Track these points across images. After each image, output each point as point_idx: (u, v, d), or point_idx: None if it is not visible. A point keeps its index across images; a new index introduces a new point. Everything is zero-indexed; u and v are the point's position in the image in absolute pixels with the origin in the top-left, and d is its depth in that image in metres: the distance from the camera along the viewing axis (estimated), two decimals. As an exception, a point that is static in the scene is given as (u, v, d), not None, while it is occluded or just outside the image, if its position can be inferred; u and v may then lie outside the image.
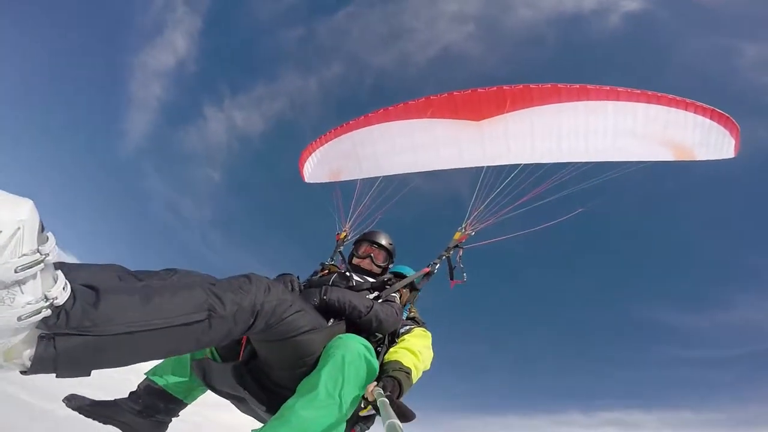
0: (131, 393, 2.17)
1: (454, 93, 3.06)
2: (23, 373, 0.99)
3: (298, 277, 2.30)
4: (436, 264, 3.02)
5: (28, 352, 0.95)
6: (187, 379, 2.17)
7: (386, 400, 1.49)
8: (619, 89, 2.91)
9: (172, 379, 2.16)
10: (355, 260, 2.77)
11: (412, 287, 2.74)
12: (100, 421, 1.97)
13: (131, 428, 2.03)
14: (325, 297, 2.02)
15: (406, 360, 1.94)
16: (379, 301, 2.28)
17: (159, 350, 1.26)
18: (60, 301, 0.97)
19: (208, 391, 2.12)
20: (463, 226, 3.33)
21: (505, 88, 2.90)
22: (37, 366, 0.96)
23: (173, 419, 2.22)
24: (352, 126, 4.15)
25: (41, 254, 0.89)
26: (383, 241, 2.79)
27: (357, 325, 2.03)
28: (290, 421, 1.46)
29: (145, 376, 2.20)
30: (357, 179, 4.24)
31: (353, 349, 1.69)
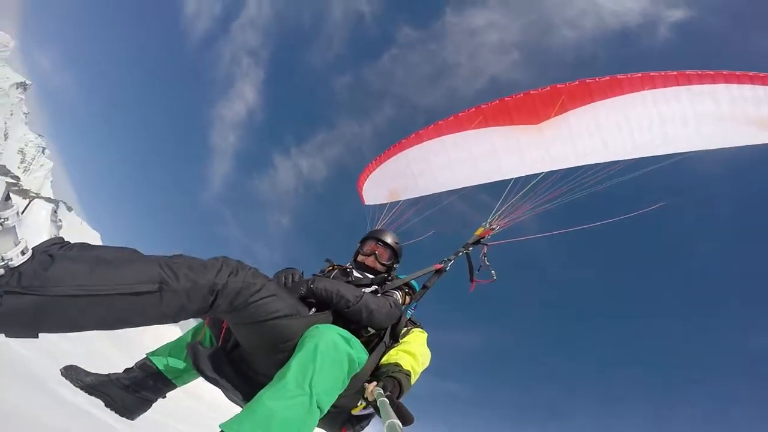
0: (126, 369, 2.20)
1: (506, 98, 3.01)
2: None
3: (302, 273, 2.21)
4: (450, 261, 2.91)
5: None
6: (182, 361, 2.18)
7: (386, 400, 1.48)
8: (688, 73, 2.66)
9: (170, 361, 2.18)
10: (360, 257, 2.72)
11: (423, 286, 2.72)
12: (86, 392, 2.01)
13: (113, 401, 2.04)
14: (312, 286, 1.94)
15: (406, 362, 1.93)
16: (377, 295, 2.24)
17: (104, 318, 1.23)
18: (15, 263, 1.05)
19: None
20: (488, 221, 3.21)
21: (559, 86, 2.79)
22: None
23: (159, 399, 2.22)
24: (405, 144, 4.19)
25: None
26: (389, 240, 2.72)
27: (347, 316, 1.93)
28: (256, 411, 1.36)
29: (145, 356, 2.24)
30: (414, 197, 4.24)
31: (327, 338, 1.61)
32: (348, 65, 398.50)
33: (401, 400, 1.66)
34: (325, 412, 1.50)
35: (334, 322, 1.85)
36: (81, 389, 2.03)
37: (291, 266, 2.25)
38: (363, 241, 2.80)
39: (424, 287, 2.70)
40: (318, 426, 1.56)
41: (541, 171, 3.08)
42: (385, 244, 2.69)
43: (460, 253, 3.05)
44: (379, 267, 2.64)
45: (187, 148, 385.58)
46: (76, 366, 2.06)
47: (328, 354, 1.55)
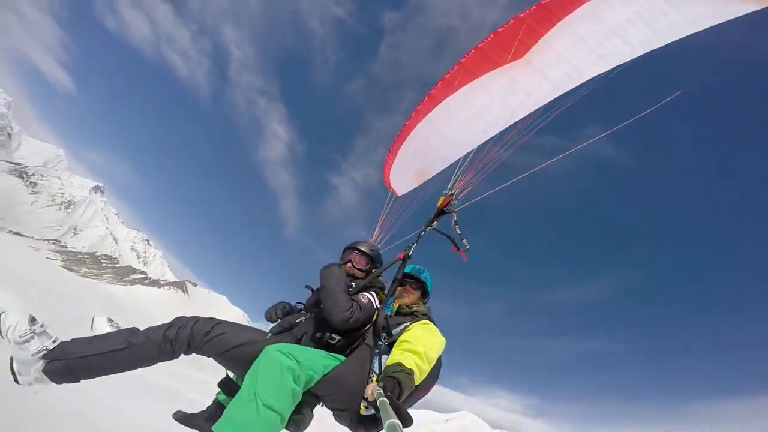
0: (207, 406, 2.69)
1: (479, 45, 2.79)
2: (33, 383, 1.90)
3: (289, 303, 2.74)
4: (412, 245, 3.04)
5: (36, 371, 1.88)
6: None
7: (386, 400, 1.53)
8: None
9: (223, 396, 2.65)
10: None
11: (393, 279, 2.85)
12: (190, 427, 2.53)
13: (202, 429, 2.49)
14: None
15: (408, 361, 1.98)
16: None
17: (106, 367, 1.97)
18: (51, 347, 1.91)
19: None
20: (448, 187, 3.18)
21: (521, 15, 2.52)
22: (43, 377, 1.89)
23: None
24: (411, 125, 4.12)
25: (32, 330, 1.89)
26: (363, 247, 2.96)
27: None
28: (225, 416, 1.83)
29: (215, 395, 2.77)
30: (444, 168, 4.15)
31: (268, 355, 1.94)
32: (352, 69, 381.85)
33: (403, 398, 1.78)
34: (281, 409, 1.83)
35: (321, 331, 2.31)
36: (187, 426, 2.61)
37: (282, 300, 2.76)
38: (343, 253, 3.04)
39: (394, 279, 2.82)
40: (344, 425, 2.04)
41: (552, 99, 2.84)
42: (360, 251, 2.94)
43: (423, 233, 3.13)
44: (357, 273, 2.88)
45: (254, 198, 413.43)
46: (180, 411, 2.63)
47: (265, 369, 1.90)
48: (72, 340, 1.98)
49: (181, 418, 2.48)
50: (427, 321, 2.50)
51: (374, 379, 2.10)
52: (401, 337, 2.27)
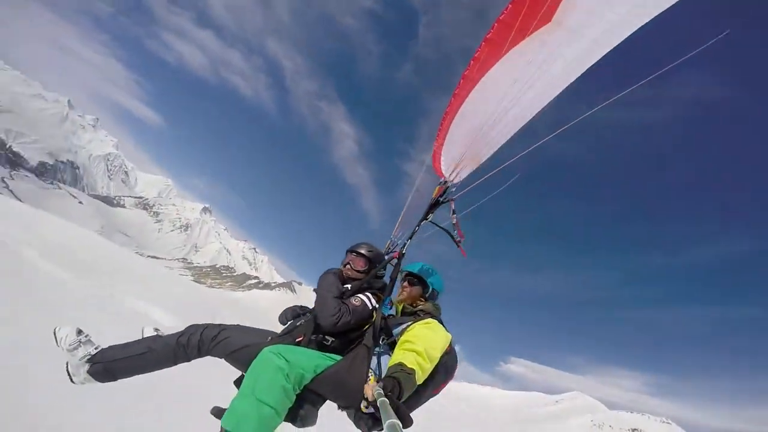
0: None
1: (499, 18, 2.53)
2: (83, 382, 2.34)
3: (300, 306, 2.81)
4: (406, 243, 3.02)
5: (84, 372, 2.33)
6: None
7: (386, 400, 1.55)
8: None
9: None
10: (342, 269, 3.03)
11: (390, 279, 2.88)
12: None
13: None
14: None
15: (409, 360, 1.99)
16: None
17: (135, 368, 2.35)
18: (92, 353, 2.35)
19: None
20: (446, 175, 2.99)
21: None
22: (89, 377, 2.32)
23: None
24: (451, 111, 3.93)
25: (79, 339, 2.35)
26: (361, 250, 2.97)
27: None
28: (228, 409, 2.05)
29: None
30: (496, 149, 3.92)
31: (262, 356, 2.14)
32: (397, 56, 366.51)
33: (403, 398, 1.77)
34: (274, 404, 2.02)
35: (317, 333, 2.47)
36: (213, 414, 3.00)
37: (296, 304, 2.88)
38: (345, 255, 3.09)
39: (391, 279, 2.79)
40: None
41: (595, 61, 2.48)
42: (358, 253, 2.96)
43: (417, 228, 3.02)
44: (355, 275, 2.91)
45: (336, 196, 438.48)
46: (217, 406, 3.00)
47: (259, 368, 2.10)
48: (109, 346, 2.41)
49: (217, 412, 2.87)
50: (430, 319, 2.46)
51: (372, 379, 2.15)
52: (402, 337, 2.28)
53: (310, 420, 2.25)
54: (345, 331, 2.45)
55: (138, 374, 2.36)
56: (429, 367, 2.07)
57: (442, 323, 2.58)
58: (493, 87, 3.36)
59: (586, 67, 2.55)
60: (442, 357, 2.29)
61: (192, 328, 2.40)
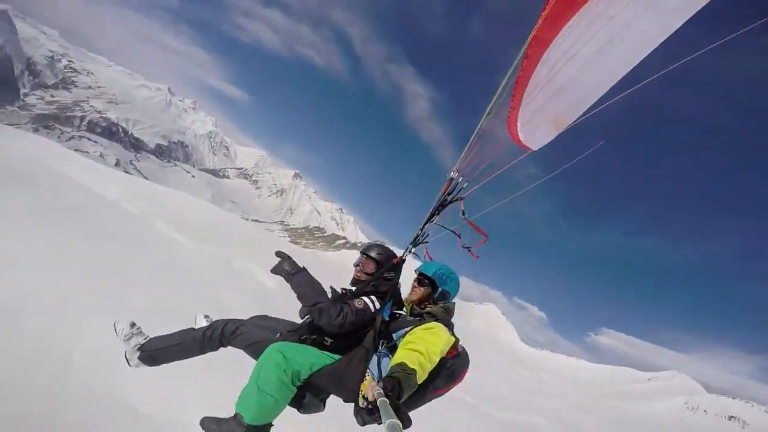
0: None
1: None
2: (137, 366, 2.73)
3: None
4: (408, 249, 2.97)
5: (136, 358, 2.71)
6: None
7: (386, 400, 1.57)
8: None
9: None
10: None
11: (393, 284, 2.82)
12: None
13: None
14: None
15: (411, 360, 2.00)
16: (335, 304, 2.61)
17: (172, 356, 2.72)
18: (141, 343, 2.73)
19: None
20: (454, 169, 2.74)
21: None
22: (140, 362, 2.70)
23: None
24: (525, 75, 3.71)
25: (132, 332, 2.77)
26: (371, 252, 2.93)
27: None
28: (240, 394, 2.35)
29: None
30: (581, 114, 3.63)
31: (266, 352, 2.39)
32: (463, 11, 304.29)
33: (403, 397, 1.78)
34: (273, 393, 2.29)
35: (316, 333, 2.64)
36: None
37: None
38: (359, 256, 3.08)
39: (391, 286, 2.75)
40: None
41: (693, 12, 2.15)
42: (368, 256, 2.93)
43: (420, 232, 2.92)
44: (363, 277, 2.89)
45: (413, 156, 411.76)
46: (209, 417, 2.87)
47: (263, 362, 2.37)
48: (154, 337, 2.81)
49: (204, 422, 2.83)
50: (433, 323, 2.41)
51: (368, 379, 2.28)
52: (404, 338, 2.31)
53: (313, 408, 2.55)
54: (344, 333, 2.56)
55: (174, 361, 2.76)
56: (429, 367, 2.09)
57: (449, 326, 2.54)
58: (574, 45, 3.10)
59: (683, 19, 2.23)
60: (447, 361, 2.36)
61: (216, 323, 2.75)
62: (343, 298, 2.72)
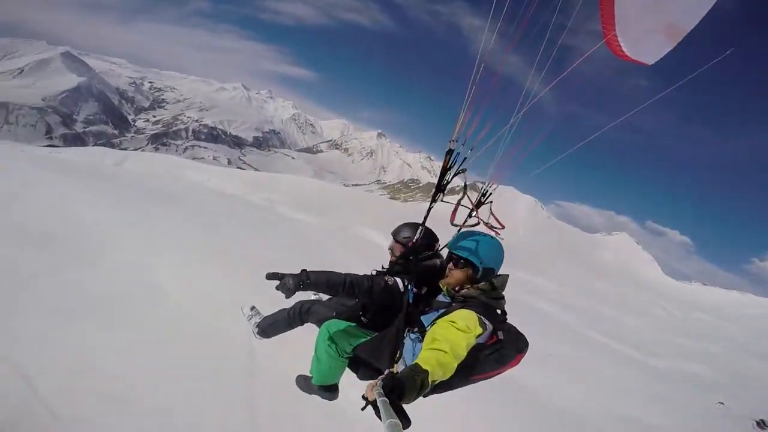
0: None
1: None
2: (259, 339, 3.43)
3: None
4: (418, 230, 2.76)
5: (256, 334, 3.41)
6: None
7: (386, 399, 1.54)
8: None
9: None
10: None
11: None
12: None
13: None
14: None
15: (428, 360, 1.86)
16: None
17: (275, 331, 3.31)
18: (258, 321, 3.43)
19: None
20: (454, 134, 2.42)
21: None
22: (260, 336, 3.39)
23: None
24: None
25: (251, 314, 3.57)
26: (398, 236, 2.92)
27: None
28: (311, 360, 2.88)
29: None
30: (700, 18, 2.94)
31: (320, 330, 2.82)
32: None
33: (406, 399, 1.70)
34: (325, 360, 2.75)
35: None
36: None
37: None
38: None
39: (406, 272, 2.67)
40: None
41: None
42: (396, 240, 2.92)
43: (428, 214, 2.74)
44: (395, 261, 2.85)
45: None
46: (300, 375, 3.30)
47: (318, 337, 2.81)
48: (265, 316, 3.46)
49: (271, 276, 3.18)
50: (460, 312, 2.18)
51: (394, 368, 2.39)
52: (429, 329, 2.18)
53: (367, 376, 2.71)
54: (379, 310, 2.70)
55: (279, 334, 3.37)
56: (454, 363, 1.95)
57: (489, 309, 2.28)
58: None
59: None
60: (485, 348, 2.25)
61: (298, 304, 3.22)
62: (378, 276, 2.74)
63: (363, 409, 1.67)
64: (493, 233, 2.59)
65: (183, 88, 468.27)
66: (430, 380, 1.77)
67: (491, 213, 2.83)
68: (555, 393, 10.14)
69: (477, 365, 2.22)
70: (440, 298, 2.49)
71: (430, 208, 2.70)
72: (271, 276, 2.42)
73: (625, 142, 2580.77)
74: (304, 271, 2.44)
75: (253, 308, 3.66)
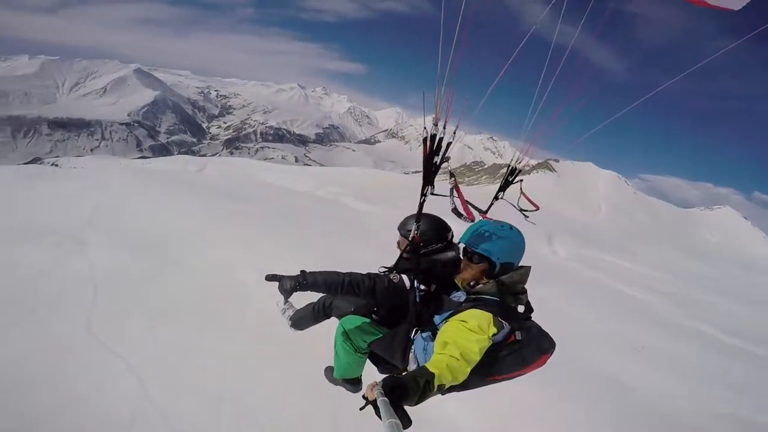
0: None
1: None
2: (294, 331, 3.04)
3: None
4: (415, 227, 2.45)
5: (290, 326, 3.00)
6: None
7: (387, 399, 1.50)
8: None
9: None
10: None
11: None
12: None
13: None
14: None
15: (435, 365, 1.80)
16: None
17: (304, 324, 3.08)
18: (291, 314, 2.93)
19: None
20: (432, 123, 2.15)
21: None
22: (293, 328, 2.98)
23: None
24: None
25: (285, 307, 2.91)
26: (402, 229, 2.68)
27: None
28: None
29: None
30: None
31: (338, 324, 2.81)
32: None
33: (407, 402, 1.64)
34: (342, 354, 2.81)
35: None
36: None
37: None
38: None
39: (408, 270, 2.48)
40: None
41: None
42: (402, 234, 2.66)
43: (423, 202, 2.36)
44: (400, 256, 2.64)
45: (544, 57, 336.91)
46: (328, 366, 3.39)
47: (335, 333, 2.82)
48: (297, 309, 3.27)
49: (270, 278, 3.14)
50: (470, 312, 2.01)
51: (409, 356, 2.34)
52: (440, 330, 2.07)
53: (386, 370, 2.71)
54: (389, 307, 2.62)
55: (308, 327, 3.30)
56: (465, 369, 1.85)
57: (504, 309, 2.08)
58: None
59: None
60: (502, 348, 2.05)
61: (321, 299, 3.20)
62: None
63: (362, 408, 1.65)
64: (526, 215, 2.66)
65: (245, 94, 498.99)
66: (436, 384, 1.73)
67: (522, 193, 2.72)
68: (651, 389, 9.11)
69: (494, 366, 2.06)
70: (455, 295, 2.32)
71: (422, 203, 2.41)
72: (270, 277, 2.51)
73: (721, 111, 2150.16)
74: (302, 272, 2.47)
75: (287, 302, 3.83)
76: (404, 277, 2.49)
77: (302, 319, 3.36)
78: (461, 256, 2.36)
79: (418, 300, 2.40)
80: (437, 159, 2.23)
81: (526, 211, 2.79)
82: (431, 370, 1.77)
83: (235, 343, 5.05)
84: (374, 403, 1.54)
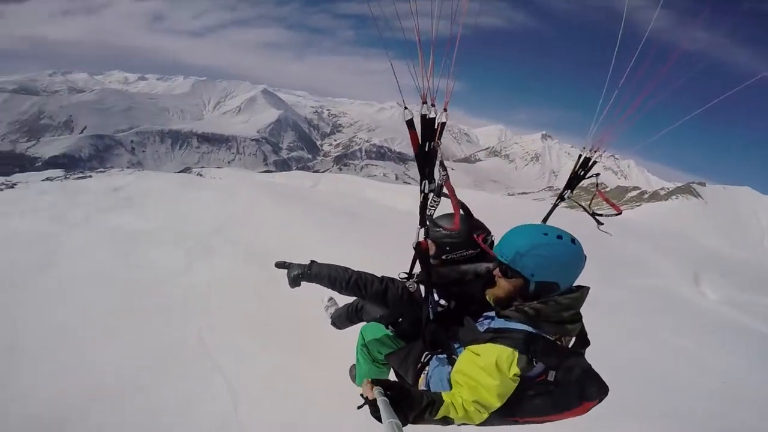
0: None
1: None
2: (336, 329, 3.48)
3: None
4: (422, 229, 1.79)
5: (330, 324, 3.53)
6: None
7: (387, 399, 1.46)
8: None
9: None
10: None
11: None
12: None
13: None
14: None
15: (453, 398, 1.63)
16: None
17: (341, 324, 3.34)
18: (332, 312, 3.56)
19: None
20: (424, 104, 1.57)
21: None
22: (333, 327, 3.46)
23: None
24: None
25: (328, 304, 3.84)
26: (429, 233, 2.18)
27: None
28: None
29: None
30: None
31: (360, 331, 2.89)
32: None
33: (408, 418, 1.53)
34: (362, 361, 2.82)
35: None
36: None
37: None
38: None
39: (417, 282, 2.23)
40: None
41: None
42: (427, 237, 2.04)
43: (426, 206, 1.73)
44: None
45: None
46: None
47: (357, 346, 2.89)
48: (337, 308, 3.40)
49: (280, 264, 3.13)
50: (486, 348, 1.64)
51: (421, 378, 2.13)
52: (456, 362, 1.79)
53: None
54: (410, 318, 2.31)
55: (345, 327, 3.35)
56: (484, 415, 1.62)
57: (537, 339, 1.63)
58: None
59: None
60: (531, 386, 1.67)
61: (352, 303, 3.18)
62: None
63: (360, 407, 1.57)
64: (601, 221, 2.21)
65: (352, 113, 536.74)
66: (441, 413, 1.58)
67: (597, 191, 2.28)
68: None
69: (517, 405, 1.69)
70: (487, 315, 1.93)
71: (423, 203, 1.85)
72: (279, 264, 2.42)
73: None
74: (311, 262, 2.37)
75: (330, 299, 3.83)
76: (422, 287, 2.16)
77: (340, 318, 3.37)
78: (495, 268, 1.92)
79: (431, 317, 2.08)
80: (433, 151, 1.65)
81: (600, 215, 2.28)
82: (443, 398, 1.64)
83: (321, 369, 4.97)
84: (373, 403, 1.48)
